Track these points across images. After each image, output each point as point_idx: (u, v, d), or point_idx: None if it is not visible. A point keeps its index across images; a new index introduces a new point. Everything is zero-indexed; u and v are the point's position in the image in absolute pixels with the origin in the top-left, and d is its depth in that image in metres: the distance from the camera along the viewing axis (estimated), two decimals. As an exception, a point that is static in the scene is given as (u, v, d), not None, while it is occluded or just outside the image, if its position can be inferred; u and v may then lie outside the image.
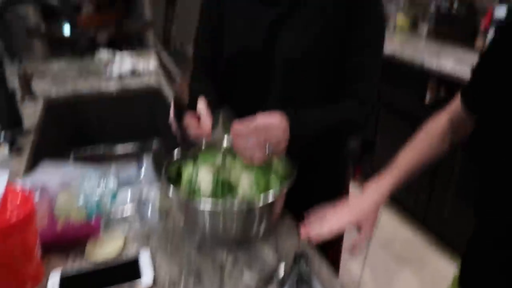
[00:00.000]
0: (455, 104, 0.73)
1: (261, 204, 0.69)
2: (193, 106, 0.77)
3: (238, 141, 0.70)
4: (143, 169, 0.89)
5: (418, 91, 1.89)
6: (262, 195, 0.71)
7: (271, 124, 0.69)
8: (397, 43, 2.25)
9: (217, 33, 0.90)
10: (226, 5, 0.88)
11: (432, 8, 2.31)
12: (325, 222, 0.71)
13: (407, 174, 0.75)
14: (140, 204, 0.79)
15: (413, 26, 2.53)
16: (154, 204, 0.79)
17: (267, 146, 0.69)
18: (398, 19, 2.57)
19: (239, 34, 0.88)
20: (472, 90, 0.69)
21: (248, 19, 0.86)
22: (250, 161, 0.71)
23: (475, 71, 0.67)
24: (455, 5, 2.17)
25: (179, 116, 0.82)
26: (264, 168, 0.77)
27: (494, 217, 0.63)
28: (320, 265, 0.69)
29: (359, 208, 0.73)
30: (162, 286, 0.65)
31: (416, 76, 1.91)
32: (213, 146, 0.82)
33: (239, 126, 0.68)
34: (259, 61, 0.86)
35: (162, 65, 0.74)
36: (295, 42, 0.82)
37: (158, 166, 0.91)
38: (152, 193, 0.81)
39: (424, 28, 2.38)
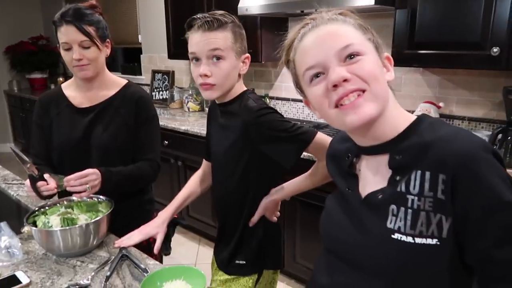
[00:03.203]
0: None
1: (92, 223, 1.20)
2: (41, 178, 1.25)
3: (70, 185, 1.22)
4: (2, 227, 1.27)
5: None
6: (93, 219, 1.23)
7: (91, 173, 1.24)
8: (190, 122, 3.06)
9: (47, 137, 1.42)
10: (53, 118, 1.43)
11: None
12: (132, 236, 1.27)
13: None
14: (6, 248, 1.19)
15: (201, 108, 3.43)
16: (17, 245, 1.20)
17: (88, 186, 1.23)
18: (190, 105, 3.44)
19: (64, 132, 1.42)
20: None
21: (70, 122, 1.42)
22: (79, 196, 1.24)
23: None
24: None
25: (33, 183, 1.27)
26: (91, 206, 1.30)
27: None
28: (135, 252, 1.23)
29: (149, 226, 1.31)
30: (36, 284, 1.07)
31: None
32: (56, 204, 1.31)
33: (70, 177, 1.22)
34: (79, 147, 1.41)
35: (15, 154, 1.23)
36: (102, 135, 1.41)
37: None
38: (14, 240, 1.21)
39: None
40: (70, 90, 1.47)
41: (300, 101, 2.97)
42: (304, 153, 2.06)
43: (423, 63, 2.01)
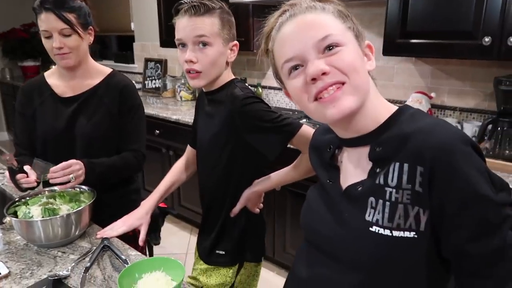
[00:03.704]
0: None
1: (74, 213, 1.19)
2: (21, 170, 1.23)
3: (54, 177, 1.20)
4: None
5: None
6: (75, 209, 1.21)
7: (74, 164, 1.22)
8: (183, 111, 3.03)
9: (31, 126, 1.40)
10: (36, 107, 1.40)
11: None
12: (115, 227, 1.26)
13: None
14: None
15: (194, 97, 3.40)
16: (-1, 237, 1.19)
17: (71, 177, 1.21)
18: (182, 93, 3.41)
19: (47, 121, 1.39)
20: None
21: (54, 112, 1.39)
22: (63, 187, 1.22)
23: None
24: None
25: (13, 176, 1.25)
26: (73, 195, 1.28)
27: None
28: (117, 243, 1.22)
29: (132, 217, 1.30)
30: (15, 274, 1.06)
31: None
32: (38, 194, 1.29)
33: (53, 168, 1.20)
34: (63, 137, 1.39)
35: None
36: (85, 125, 1.38)
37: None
38: (-4, 231, 1.20)
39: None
40: (53, 78, 1.44)
41: (293, 90, 2.95)
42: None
43: (415, 52, 1.98)
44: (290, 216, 2.37)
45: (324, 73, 0.68)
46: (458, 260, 0.68)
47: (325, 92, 0.69)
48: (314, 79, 0.68)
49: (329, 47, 0.68)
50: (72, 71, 1.40)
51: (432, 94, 2.19)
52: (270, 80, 3.06)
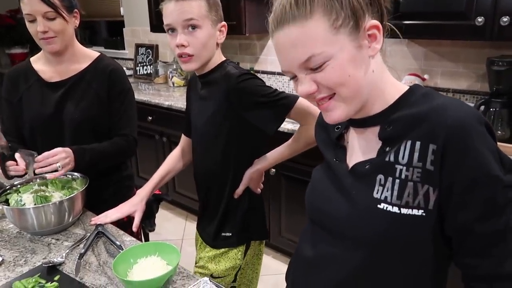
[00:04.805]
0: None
1: (66, 200, 1.18)
2: (12, 158, 1.22)
3: (38, 166, 1.19)
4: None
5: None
6: (68, 196, 1.20)
7: (60, 152, 1.21)
8: (175, 97, 3.00)
9: (17, 113, 1.37)
10: (22, 92, 1.37)
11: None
12: (109, 214, 1.26)
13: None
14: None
15: (186, 83, 3.36)
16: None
17: (59, 165, 1.20)
18: (175, 79, 3.37)
19: (35, 107, 1.37)
20: None
21: (41, 97, 1.36)
22: (52, 176, 1.21)
23: None
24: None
25: (3, 162, 1.23)
26: (65, 182, 1.27)
27: None
28: (111, 229, 1.22)
29: (127, 204, 1.30)
30: (9, 262, 1.06)
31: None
32: (29, 181, 1.28)
33: (38, 157, 1.18)
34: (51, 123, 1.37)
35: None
36: (73, 110, 1.36)
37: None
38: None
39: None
40: (40, 64, 1.41)
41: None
42: (288, 128, 2.04)
43: (408, 34, 1.96)
44: (285, 200, 2.38)
45: (312, 92, 0.69)
46: (460, 238, 0.68)
47: (319, 103, 0.71)
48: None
49: (314, 68, 0.67)
50: (59, 56, 1.37)
51: (425, 76, 2.19)
52: (262, 64, 3.03)
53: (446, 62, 2.17)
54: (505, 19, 1.61)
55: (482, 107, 1.81)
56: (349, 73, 0.67)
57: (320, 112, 0.92)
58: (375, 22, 0.68)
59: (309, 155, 1.24)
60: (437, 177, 0.65)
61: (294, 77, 0.72)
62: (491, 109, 1.78)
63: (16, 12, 5.18)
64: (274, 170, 2.31)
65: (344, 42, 0.66)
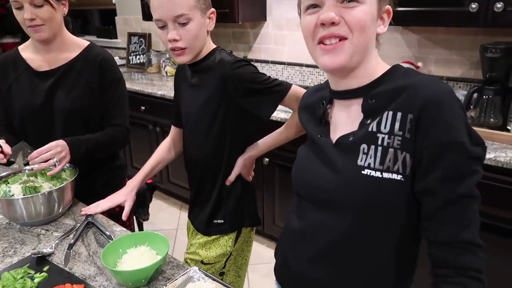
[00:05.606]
0: None
1: (56, 191, 1.17)
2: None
3: (35, 162, 1.18)
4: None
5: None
6: (57, 186, 1.19)
7: (54, 146, 1.19)
8: (168, 87, 2.98)
9: (7, 102, 1.35)
10: (11, 82, 1.35)
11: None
12: (99, 204, 1.25)
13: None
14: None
15: (180, 72, 3.33)
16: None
17: (55, 160, 1.18)
18: (168, 69, 3.34)
19: (24, 96, 1.35)
20: None
21: (30, 87, 1.34)
22: (52, 172, 1.20)
23: None
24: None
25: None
26: (56, 175, 1.26)
27: None
28: (101, 219, 1.21)
29: (117, 195, 1.29)
30: (-2, 253, 1.05)
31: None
32: (19, 172, 1.26)
33: (32, 154, 1.17)
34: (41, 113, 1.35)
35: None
36: (64, 99, 1.34)
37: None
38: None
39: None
40: (28, 52, 1.39)
41: (280, 63, 2.91)
42: (281, 117, 2.03)
43: (402, 21, 1.95)
44: (278, 189, 2.38)
45: (333, 23, 0.71)
46: (424, 201, 0.72)
47: (328, 40, 0.73)
48: (323, 24, 0.72)
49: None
50: (47, 44, 1.34)
51: (419, 64, 2.17)
52: (256, 53, 3.00)
53: (440, 49, 2.16)
54: (499, 5, 1.59)
55: (475, 95, 1.80)
56: (369, 24, 0.73)
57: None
58: (389, 7, 0.78)
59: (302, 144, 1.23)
60: (412, 144, 0.71)
61: (316, 6, 0.73)
62: (484, 97, 1.77)
63: (6, 1, 5.10)
64: (267, 159, 2.31)
65: (374, 2, 0.73)
